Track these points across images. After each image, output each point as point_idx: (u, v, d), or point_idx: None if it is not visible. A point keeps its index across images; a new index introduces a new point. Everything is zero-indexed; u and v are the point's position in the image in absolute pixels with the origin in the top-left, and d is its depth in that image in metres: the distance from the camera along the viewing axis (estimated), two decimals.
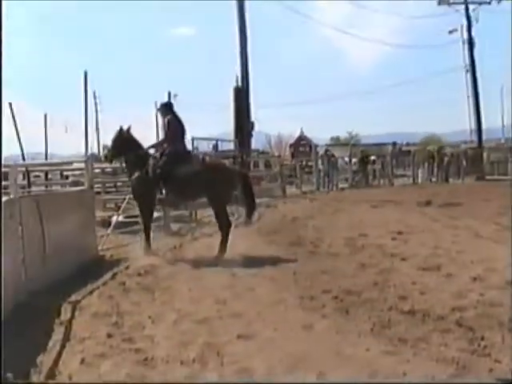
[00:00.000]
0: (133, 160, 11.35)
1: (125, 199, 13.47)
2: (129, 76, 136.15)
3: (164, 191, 11.13)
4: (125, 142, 11.39)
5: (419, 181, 34.68)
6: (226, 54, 74.74)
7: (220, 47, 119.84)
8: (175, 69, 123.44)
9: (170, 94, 37.47)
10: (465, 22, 40.25)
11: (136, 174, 11.20)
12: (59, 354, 5.77)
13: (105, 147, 28.28)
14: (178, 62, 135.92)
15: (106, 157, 12.06)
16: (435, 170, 35.40)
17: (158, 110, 11.78)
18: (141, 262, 10.26)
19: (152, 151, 11.71)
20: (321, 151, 35.04)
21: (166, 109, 11.63)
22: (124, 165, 11.87)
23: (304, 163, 36.08)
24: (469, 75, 40.62)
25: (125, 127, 11.45)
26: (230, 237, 10.92)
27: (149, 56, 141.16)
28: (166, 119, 11.50)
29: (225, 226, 11.11)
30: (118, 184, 18.86)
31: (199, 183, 10.98)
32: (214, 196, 11.20)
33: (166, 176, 11.00)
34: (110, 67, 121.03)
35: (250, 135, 27.39)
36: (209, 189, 11.07)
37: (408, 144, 53.43)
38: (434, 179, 34.95)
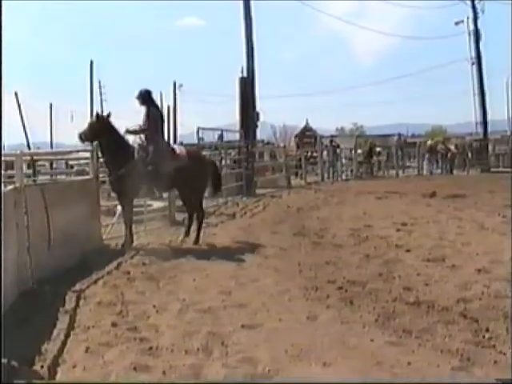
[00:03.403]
0: (115, 155, 11.05)
1: None
2: (135, 66, 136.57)
3: (148, 185, 11.24)
4: (102, 130, 11.00)
5: (424, 172, 34.67)
6: (233, 45, 74.63)
7: (227, 38, 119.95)
8: (182, 59, 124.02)
9: (175, 84, 37.58)
10: (471, 14, 40.16)
11: (121, 171, 10.86)
12: (64, 343, 5.78)
13: None
14: (184, 52, 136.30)
15: (81, 137, 11.11)
16: (439, 162, 35.39)
17: (137, 98, 11.33)
18: (145, 252, 10.32)
19: (131, 138, 11.48)
20: (326, 142, 35.00)
21: (146, 97, 11.35)
22: (101, 156, 11.35)
23: (309, 154, 36.00)
24: (474, 67, 40.51)
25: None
26: (236, 226, 10.99)
27: (155, 46, 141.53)
28: (146, 109, 11.25)
29: (201, 214, 11.80)
30: None
31: (181, 175, 11.19)
32: (193, 187, 11.56)
33: (158, 171, 11.03)
34: (116, 57, 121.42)
35: (256, 126, 27.29)
36: (189, 180, 11.34)
37: (413, 135, 53.37)
38: (438, 171, 34.94)
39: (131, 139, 11.39)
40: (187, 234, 11.65)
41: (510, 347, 5.34)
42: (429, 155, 35.35)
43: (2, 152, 10.58)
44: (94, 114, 11.42)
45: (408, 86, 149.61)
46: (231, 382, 4.98)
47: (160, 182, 11.16)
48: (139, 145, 11.27)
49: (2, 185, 8.50)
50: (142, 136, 11.30)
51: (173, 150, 11.57)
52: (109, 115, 11.20)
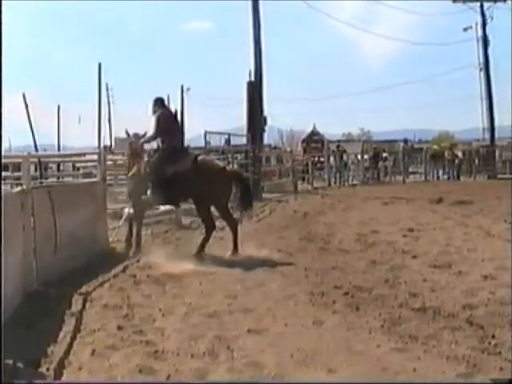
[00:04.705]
0: (130, 157, 11.21)
1: None
2: (142, 69, 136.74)
3: (149, 191, 10.74)
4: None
5: (431, 178, 34.63)
6: (241, 48, 74.65)
7: (235, 41, 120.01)
8: (190, 63, 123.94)
9: (182, 87, 37.62)
10: (479, 20, 40.09)
11: (131, 172, 10.97)
12: (70, 345, 5.77)
13: (116, 139, 28.32)
14: (192, 56, 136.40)
15: None
16: (446, 167, 35.35)
17: (153, 107, 11.08)
18: (151, 255, 10.29)
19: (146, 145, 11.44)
20: (332, 147, 35.01)
21: (156, 105, 11.07)
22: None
23: (316, 159, 36.00)
24: (482, 73, 40.44)
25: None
26: (243, 231, 10.91)
27: (163, 49, 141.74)
28: (155, 115, 10.88)
29: (212, 226, 10.78)
30: None
31: (189, 183, 10.47)
32: (202, 197, 10.64)
33: (157, 175, 10.59)
34: (123, 60, 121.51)
35: (263, 130, 27.34)
36: (199, 189, 10.52)
37: (420, 141, 53.25)
38: (445, 177, 34.91)
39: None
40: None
41: None
42: (432, 161, 35.31)
43: (6, 153, 10.63)
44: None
45: (415, 92, 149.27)
46: (235, 381, 4.99)
47: (164, 186, 10.51)
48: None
49: (9, 186, 8.53)
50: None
51: (186, 154, 11.21)
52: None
